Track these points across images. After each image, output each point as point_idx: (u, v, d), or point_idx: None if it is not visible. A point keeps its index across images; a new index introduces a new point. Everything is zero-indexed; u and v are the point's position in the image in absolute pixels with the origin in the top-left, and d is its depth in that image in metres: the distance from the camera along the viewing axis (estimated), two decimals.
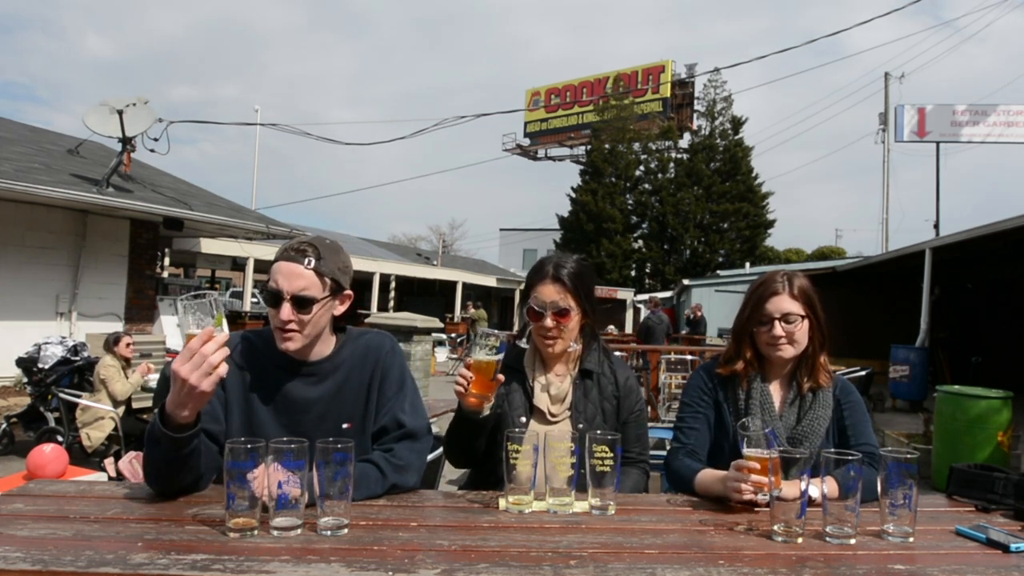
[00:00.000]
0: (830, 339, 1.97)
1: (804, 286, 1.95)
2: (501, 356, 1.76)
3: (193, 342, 1.43)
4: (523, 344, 2.03)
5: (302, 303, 1.66)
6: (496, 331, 1.79)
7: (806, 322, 1.92)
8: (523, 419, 1.97)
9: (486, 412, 1.85)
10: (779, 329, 1.91)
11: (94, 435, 5.78)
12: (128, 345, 6.02)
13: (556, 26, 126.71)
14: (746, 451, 1.61)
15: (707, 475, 1.76)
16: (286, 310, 1.65)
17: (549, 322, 1.95)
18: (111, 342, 5.95)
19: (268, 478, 1.34)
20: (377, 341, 1.85)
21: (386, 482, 1.63)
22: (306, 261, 1.67)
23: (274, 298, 1.67)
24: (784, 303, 1.93)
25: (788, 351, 1.93)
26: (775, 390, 1.97)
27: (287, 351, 1.70)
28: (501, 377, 1.79)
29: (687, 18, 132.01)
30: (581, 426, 1.94)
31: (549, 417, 1.98)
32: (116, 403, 5.84)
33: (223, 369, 1.44)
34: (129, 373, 6.00)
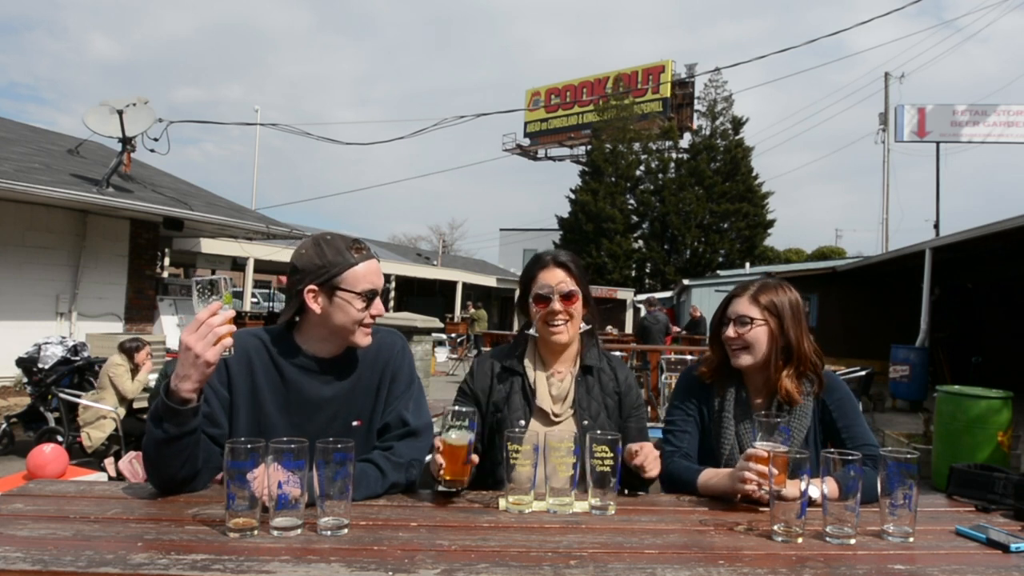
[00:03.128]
0: (803, 360, 1.85)
1: (776, 298, 1.87)
2: (473, 435, 1.60)
3: (201, 313, 1.50)
4: (532, 332, 2.00)
5: (383, 296, 1.79)
6: (468, 408, 1.64)
7: (763, 329, 1.85)
8: (522, 422, 1.93)
9: (464, 487, 1.67)
10: (731, 330, 1.87)
11: (94, 435, 5.79)
12: (148, 355, 6.06)
13: (561, 29, 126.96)
14: (758, 443, 1.61)
15: (712, 473, 1.76)
16: (380, 305, 1.76)
17: (557, 305, 1.92)
18: (132, 348, 5.98)
19: (268, 478, 1.34)
20: (389, 340, 1.87)
21: (386, 481, 1.63)
22: (377, 258, 1.80)
23: (372, 296, 1.73)
24: (741, 305, 1.88)
25: (742, 356, 1.87)
26: (753, 397, 1.93)
27: (368, 345, 1.77)
28: (475, 458, 1.62)
29: (692, 21, 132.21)
30: (586, 423, 1.91)
31: (552, 417, 1.95)
32: (123, 402, 5.87)
33: (228, 341, 1.50)
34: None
